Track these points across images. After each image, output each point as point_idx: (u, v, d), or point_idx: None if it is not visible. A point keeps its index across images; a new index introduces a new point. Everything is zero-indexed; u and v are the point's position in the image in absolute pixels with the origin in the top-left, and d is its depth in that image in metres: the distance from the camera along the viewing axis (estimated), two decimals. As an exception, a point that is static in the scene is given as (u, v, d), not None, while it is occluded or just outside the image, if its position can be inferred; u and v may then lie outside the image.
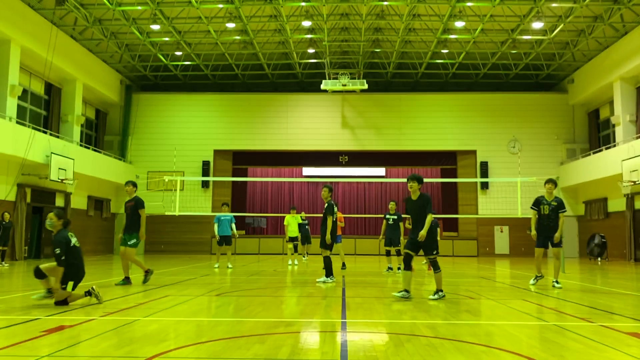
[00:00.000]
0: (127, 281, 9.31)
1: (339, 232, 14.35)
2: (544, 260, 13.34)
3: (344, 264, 14.36)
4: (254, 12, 20.31)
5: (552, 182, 9.63)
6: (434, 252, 7.66)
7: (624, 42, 21.19)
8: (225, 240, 14.66)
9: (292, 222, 16.49)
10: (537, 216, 9.65)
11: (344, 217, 14.78)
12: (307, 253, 19.52)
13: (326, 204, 10.28)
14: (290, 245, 16.49)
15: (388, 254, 13.20)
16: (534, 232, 9.67)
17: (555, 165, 25.85)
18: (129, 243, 9.32)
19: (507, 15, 20.17)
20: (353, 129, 26.84)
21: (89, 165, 21.83)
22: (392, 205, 13.15)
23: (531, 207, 9.81)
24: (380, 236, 13.24)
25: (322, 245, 10.29)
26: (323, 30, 21.50)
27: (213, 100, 27.39)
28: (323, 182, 30.10)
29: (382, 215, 13.89)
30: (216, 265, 14.85)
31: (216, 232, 14.63)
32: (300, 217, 17.72)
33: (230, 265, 14.66)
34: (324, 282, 10.15)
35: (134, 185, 9.55)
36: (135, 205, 9.35)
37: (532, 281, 10.01)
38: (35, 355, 3.96)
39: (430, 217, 7.42)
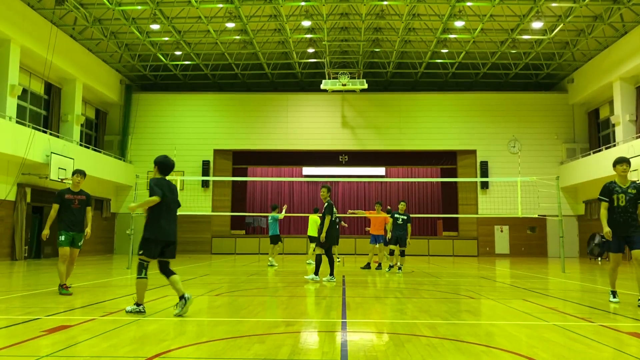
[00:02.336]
0: (65, 288, 7.88)
1: (382, 232, 14.60)
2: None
3: (379, 264, 14.68)
4: (253, 11, 20.31)
5: (625, 161, 7.02)
6: (139, 252, 5.96)
7: (623, 42, 21.18)
8: (273, 239, 15.67)
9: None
10: (607, 209, 6.98)
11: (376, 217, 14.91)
12: (339, 253, 18.72)
13: (326, 204, 10.31)
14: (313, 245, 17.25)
15: (392, 253, 13.14)
16: (607, 229, 6.88)
17: (555, 164, 25.87)
18: (79, 244, 8.04)
19: (506, 15, 20.16)
20: (353, 129, 26.84)
21: (89, 164, 21.75)
22: (402, 206, 13.09)
23: (599, 198, 7.04)
24: (388, 235, 13.16)
25: (318, 244, 10.33)
26: (323, 30, 21.50)
27: (213, 100, 27.38)
28: (323, 182, 30.23)
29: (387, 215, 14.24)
30: (271, 263, 15.73)
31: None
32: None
33: (274, 263, 15.68)
34: (312, 279, 10.25)
35: (85, 176, 8.23)
36: (87, 200, 8.13)
37: (613, 298, 7.25)
38: (35, 355, 3.96)
39: (152, 200, 5.92)
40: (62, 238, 7.81)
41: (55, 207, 7.91)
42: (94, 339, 4.56)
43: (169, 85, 28.38)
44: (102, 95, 25.14)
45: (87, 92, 23.96)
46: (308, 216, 17.02)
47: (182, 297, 5.88)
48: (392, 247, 13.12)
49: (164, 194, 6.04)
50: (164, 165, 6.25)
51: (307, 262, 16.93)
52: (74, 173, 8.18)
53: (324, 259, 10.61)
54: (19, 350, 4.11)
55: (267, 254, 25.01)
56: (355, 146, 26.72)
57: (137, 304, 5.97)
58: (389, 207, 19.54)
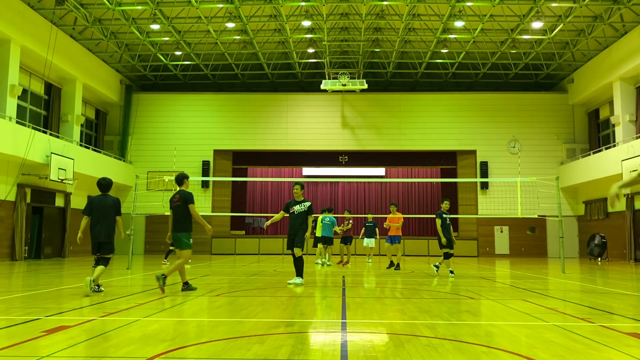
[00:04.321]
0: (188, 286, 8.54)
1: (400, 233, 14.57)
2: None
3: (397, 265, 14.65)
4: (253, 11, 20.31)
5: None
6: None
7: (623, 42, 21.18)
8: (329, 240, 16.21)
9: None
10: None
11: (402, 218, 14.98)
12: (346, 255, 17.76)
13: (309, 203, 9.77)
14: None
15: (450, 256, 12.25)
16: None
17: (555, 165, 25.87)
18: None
19: (506, 15, 20.17)
20: (353, 129, 26.84)
21: (88, 165, 21.82)
22: (447, 205, 12.22)
23: None
24: (442, 237, 12.01)
25: (299, 245, 9.68)
26: (323, 30, 21.50)
27: (213, 100, 27.38)
28: (323, 182, 30.23)
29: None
30: (322, 262, 16.19)
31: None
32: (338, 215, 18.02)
33: (320, 262, 16.22)
34: (300, 283, 9.75)
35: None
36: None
37: None
38: (35, 355, 3.96)
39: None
40: (191, 241, 8.42)
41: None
42: (94, 339, 4.56)
43: (168, 86, 28.38)
44: (102, 96, 25.14)
45: (87, 92, 23.95)
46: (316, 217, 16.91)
47: (92, 280, 7.70)
48: (452, 251, 12.17)
49: (90, 210, 8.06)
50: (98, 184, 8.37)
51: (316, 262, 16.77)
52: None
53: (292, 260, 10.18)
54: (19, 351, 4.11)
55: (262, 254, 25.04)
56: (355, 146, 26.73)
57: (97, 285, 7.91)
58: (348, 209, 19.84)
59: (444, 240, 11.95)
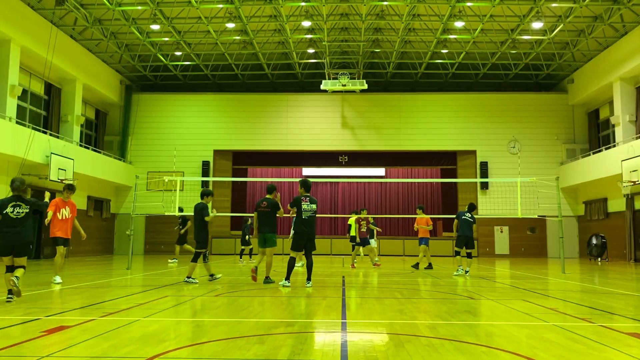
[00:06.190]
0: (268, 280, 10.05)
1: (426, 235, 14.84)
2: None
3: (417, 264, 14.96)
4: (253, 12, 20.31)
5: None
6: None
7: (623, 42, 21.18)
8: None
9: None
10: None
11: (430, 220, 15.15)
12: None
13: (294, 199, 9.43)
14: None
15: (457, 254, 12.71)
16: None
17: (555, 165, 25.85)
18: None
19: (506, 15, 20.16)
20: (353, 129, 26.83)
21: (88, 165, 21.80)
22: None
23: None
24: (455, 236, 12.63)
25: (292, 247, 9.49)
26: (323, 30, 21.50)
27: (213, 100, 27.38)
28: (323, 182, 30.21)
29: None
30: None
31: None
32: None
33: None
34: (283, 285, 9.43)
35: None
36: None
37: None
38: (35, 355, 3.96)
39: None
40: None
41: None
42: (93, 340, 4.56)
43: (168, 86, 28.37)
44: (102, 96, 25.13)
45: (87, 93, 23.94)
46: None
47: (211, 275, 10.28)
48: (458, 249, 12.65)
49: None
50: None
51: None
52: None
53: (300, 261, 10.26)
54: (18, 351, 4.10)
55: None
56: (355, 146, 26.71)
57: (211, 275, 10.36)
58: (357, 210, 19.20)
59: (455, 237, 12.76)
